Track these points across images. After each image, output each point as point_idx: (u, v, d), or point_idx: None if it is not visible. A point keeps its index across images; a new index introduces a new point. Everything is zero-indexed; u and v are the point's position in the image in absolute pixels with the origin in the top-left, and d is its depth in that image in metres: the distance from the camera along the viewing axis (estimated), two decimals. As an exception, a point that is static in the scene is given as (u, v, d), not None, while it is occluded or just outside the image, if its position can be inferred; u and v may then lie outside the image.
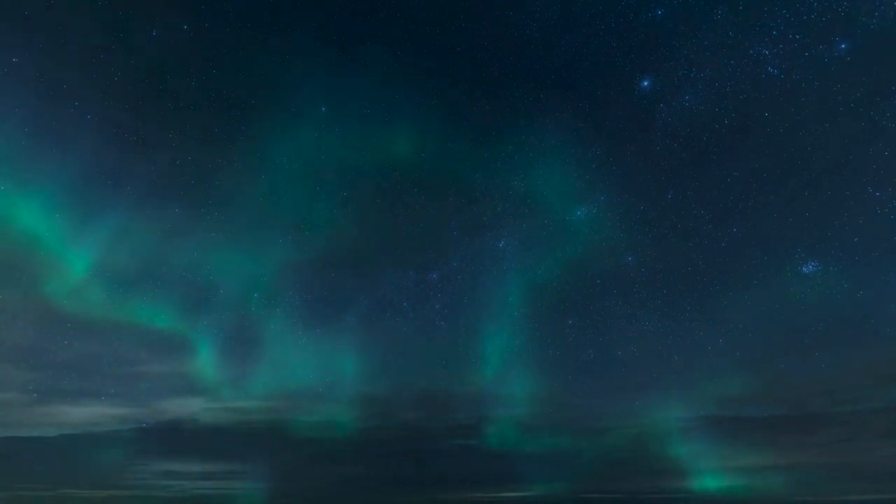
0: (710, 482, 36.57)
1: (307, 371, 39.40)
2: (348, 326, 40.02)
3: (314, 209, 37.45)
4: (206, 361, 38.59)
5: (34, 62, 30.92)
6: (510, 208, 38.02)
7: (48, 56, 31.12)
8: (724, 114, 33.26)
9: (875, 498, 32.05)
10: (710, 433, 36.92)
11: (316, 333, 39.24)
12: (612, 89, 35.80)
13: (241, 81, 34.63)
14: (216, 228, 36.41)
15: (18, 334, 34.80)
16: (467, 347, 38.82)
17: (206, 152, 34.90)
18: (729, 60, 32.42)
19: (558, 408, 39.37)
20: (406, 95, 36.30)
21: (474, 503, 38.96)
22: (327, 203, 37.56)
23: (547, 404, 39.47)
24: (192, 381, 38.73)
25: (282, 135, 35.87)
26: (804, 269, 33.33)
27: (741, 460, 36.41)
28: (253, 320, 38.19)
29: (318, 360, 39.48)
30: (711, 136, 33.89)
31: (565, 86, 36.05)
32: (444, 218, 38.36)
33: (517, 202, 37.87)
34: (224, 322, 38.06)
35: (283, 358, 39.02)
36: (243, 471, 38.80)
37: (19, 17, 30.20)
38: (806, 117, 31.68)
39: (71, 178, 33.51)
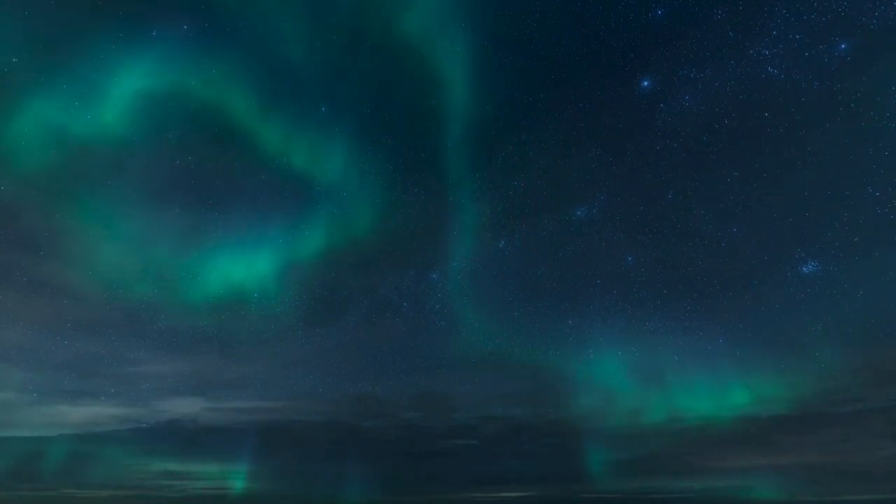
0: (710, 481, 36.59)
1: (307, 371, 39.49)
2: (348, 326, 40.11)
3: (314, 209, 37.57)
4: (206, 361, 38.69)
5: (34, 62, 30.95)
6: (510, 208, 38.10)
7: (48, 56, 31.14)
8: (724, 114, 33.31)
9: (875, 498, 32.03)
10: (710, 433, 36.96)
11: (316, 333, 39.31)
12: (612, 89, 35.89)
13: (241, 81, 34.72)
14: (216, 228, 36.50)
15: (18, 334, 34.81)
16: (467, 347, 38.88)
17: (206, 153, 34.94)
18: (729, 60, 32.48)
19: (558, 407, 39.44)
20: (405, 94, 36.47)
21: (474, 503, 38.96)
22: (327, 203, 37.68)
23: (547, 404, 39.56)
24: (192, 381, 38.83)
25: (281, 134, 36.02)
26: (804, 269, 33.35)
27: (741, 460, 36.46)
28: (253, 320, 38.25)
29: (318, 360, 39.56)
30: (711, 136, 33.94)
31: (565, 86, 36.13)
32: (445, 218, 38.44)
33: (517, 202, 37.95)
34: (224, 322, 38.12)
35: (284, 358, 39.09)
36: (243, 471, 38.82)
37: (20, 17, 30.22)
38: (806, 117, 31.68)
39: (71, 178, 33.60)
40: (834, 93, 30.61)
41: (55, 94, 31.54)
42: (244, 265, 37.41)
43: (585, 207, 37.25)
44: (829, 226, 32.45)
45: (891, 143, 30.10)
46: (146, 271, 36.34)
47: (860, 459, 34.10)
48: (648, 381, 37.49)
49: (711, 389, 36.37)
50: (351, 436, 40.41)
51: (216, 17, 32.93)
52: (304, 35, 34.39)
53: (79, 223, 34.23)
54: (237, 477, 38.56)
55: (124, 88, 32.72)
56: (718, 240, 35.41)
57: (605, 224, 37.14)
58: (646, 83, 34.70)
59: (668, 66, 33.96)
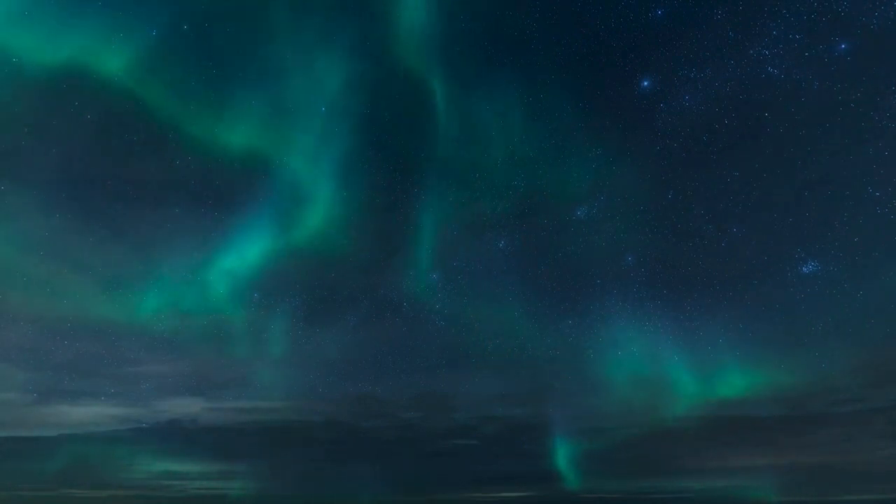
0: (710, 481, 36.64)
1: (307, 371, 39.49)
2: (348, 326, 40.10)
3: (313, 209, 37.58)
4: (206, 361, 38.70)
5: (34, 62, 30.93)
6: (510, 208, 38.11)
7: (47, 56, 31.12)
8: (724, 114, 33.32)
9: (875, 498, 32.07)
10: (711, 433, 36.98)
11: (316, 333, 39.31)
12: (612, 89, 35.87)
13: (242, 82, 34.76)
14: (216, 228, 36.50)
15: (18, 334, 34.81)
16: (467, 347, 38.87)
17: (206, 153, 34.93)
18: (729, 60, 32.47)
19: (558, 407, 39.46)
20: (403, 94, 36.50)
21: (474, 503, 38.98)
22: (327, 203, 37.70)
23: (547, 404, 39.59)
24: (192, 381, 38.83)
25: (280, 134, 36.05)
26: (804, 269, 33.35)
27: (741, 460, 36.48)
28: (253, 320, 38.25)
29: (318, 359, 39.56)
30: (711, 136, 33.95)
31: (565, 86, 36.12)
32: (445, 218, 38.44)
33: (517, 202, 37.96)
34: (224, 322, 38.12)
35: (283, 358, 39.08)
36: (243, 471, 38.83)
37: (19, 17, 30.21)
38: (806, 117, 31.68)
39: (71, 178, 33.62)
40: (834, 93, 30.64)
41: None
42: (244, 265, 37.47)
43: (585, 207, 37.27)
44: (829, 226, 32.50)
45: (891, 143, 30.15)
46: (146, 271, 36.43)
47: (860, 459, 34.16)
48: (648, 381, 37.53)
49: (711, 389, 36.45)
50: (351, 436, 40.43)
51: (215, 20, 32.93)
52: (302, 36, 34.46)
53: (79, 223, 34.37)
54: (237, 477, 38.61)
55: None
56: (718, 240, 35.47)
57: (605, 224, 37.16)
58: (646, 83, 34.74)
59: (668, 66, 33.99)
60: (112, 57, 31.86)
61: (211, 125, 34.58)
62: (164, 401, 38.59)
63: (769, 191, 33.69)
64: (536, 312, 38.85)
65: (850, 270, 32.25)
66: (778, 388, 35.63)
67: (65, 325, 35.04)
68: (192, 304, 37.37)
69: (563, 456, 38.46)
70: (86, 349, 36.02)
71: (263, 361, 38.78)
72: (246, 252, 37.24)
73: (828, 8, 30.01)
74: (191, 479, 38.49)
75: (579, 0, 34.24)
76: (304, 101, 35.72)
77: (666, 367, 36.83)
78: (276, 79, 35.05)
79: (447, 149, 37.43)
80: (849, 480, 33.78)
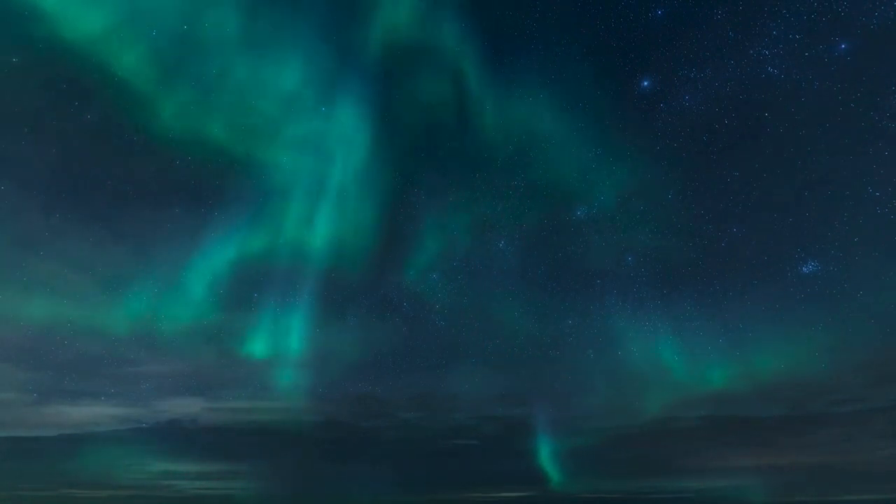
0: (710, 481, 36.62)
1: (307, 371, 39.48)
2: (348, 326, 40.10)
3: (314, 210, 37.60)
4: (206, 361, 38.71)
5: (35, 62, 30.94)
6: (510, 208, 38.15)
7: (48, 56, 31.13)
8: (724, 114, 33.42)
9: (875, 498, 32.05)
10: (711, 433, 36.97)
11: (316, 333, 39.30)
12: (612, 89, 35.93)
13: (242, 82, 34.78)
14: (216, 229, 36.50)
15: (18, 334, 34.80)
16: (467, 347, 38.89)
17: (206, 153, 34.96)
18: (729, 60, 32.54)
19: (558, 407, 39.47)
20: (405, 95, 36.54)
21: (474, 503, 38.97)
22: (327, 202, 37.72)
23: (547, 404, 39.60)
24: (192, 381, 38.83)
25: (280, 135, 36.09)
26: (804, 269, 33.38)
27: (741, 460, 36.47)
28: (253, 320, 38.25)
29: (318, 360, 39.56)
30: (711, 136, 34.03)
31: (566, 85, 36.16)
32: (445, 218, 38.47)
33: (517, 202, 37.99)
34: (224, 322, 38.11)
35: (283, 358, 39.08)
36: (243, 471, 38.81)
37: (20, 18, 30.24)
38: (806, 117, 31.74)
39: (71, 178, 33.63)
40: (834, 93, 30.73)
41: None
42: (244, 266, 37.46)
43: (585, 207, 37.37)
44: (829, 226, 32.55)
45: (891, 143, 30.17)
46: (146, 271, 36.43)
47: (860, 459, 34.17)
48: (648, 381, 37.56)
49: (711, 389, 36.47)
50: (351, 436, 40.46)
51: (218, 20, 32.96)
52: (302, 37, 34.51)
53: (79, 223, 34.40)
54: (237, 477, 38.59)
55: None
56: (718, 240, 35.53)
57: (605, 224, 37.24)
58: (646, 83, 34.83)
59: (668, 66, 34.13)
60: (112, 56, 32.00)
61: (211, 126, 34.72)
62: (164, 401, 38.67)
63: (769, 191, 33.81)
64: (536, 312, 38.97)
65: (850, 270, 32.33)
66: (778, 388, 35.73)
67: (65, 325, 35.12)
68: (192, 304, 37.42)
69: (562, 456, 38.53)
70: (86, 349, 36.08)
71: (263, 361, 38.84)
72: (246, 253, 37.31)
73: (828, 8, 30.11)
74: (191, 479, 38.53)
75: (579, 0, 34.37)
76: (305, 103, 35.88)
77: (666, 366, 36.91)
78: (276, 80, 35.17)
79: (447, 149, 37.58)
80: (849, 480, 33.78)
